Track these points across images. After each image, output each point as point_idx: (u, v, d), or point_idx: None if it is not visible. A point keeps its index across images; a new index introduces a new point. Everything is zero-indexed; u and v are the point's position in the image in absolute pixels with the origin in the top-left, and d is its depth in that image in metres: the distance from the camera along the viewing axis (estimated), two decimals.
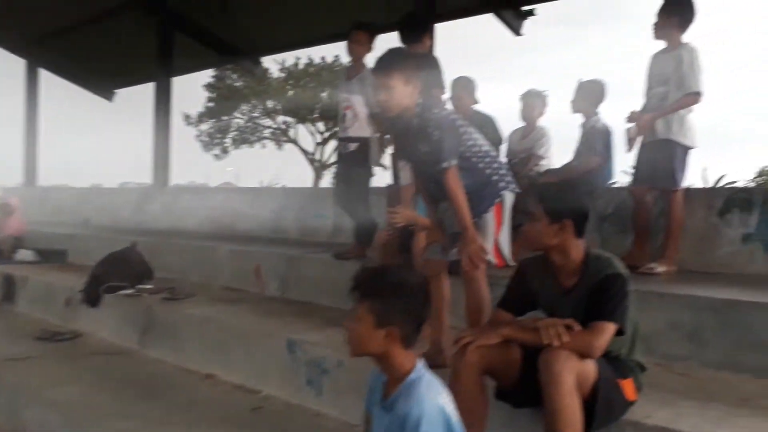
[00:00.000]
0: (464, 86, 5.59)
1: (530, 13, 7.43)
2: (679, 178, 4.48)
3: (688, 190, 4.76)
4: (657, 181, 4.55)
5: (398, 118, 3.22)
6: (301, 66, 27.20)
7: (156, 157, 10.47)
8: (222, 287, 5.98)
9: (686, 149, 4.49)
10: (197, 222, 8.84)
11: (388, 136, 5.04)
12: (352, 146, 5.30)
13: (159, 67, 10.33)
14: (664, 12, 4.52)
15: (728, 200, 4.64)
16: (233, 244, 6.77)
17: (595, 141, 5.04)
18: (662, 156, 4.48)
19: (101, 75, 12.32)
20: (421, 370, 2.19)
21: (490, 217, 3.33)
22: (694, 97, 4.40)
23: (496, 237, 3.34)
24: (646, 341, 2.78)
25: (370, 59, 5.23)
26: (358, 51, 5.37)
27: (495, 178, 3.37)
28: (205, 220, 8.76)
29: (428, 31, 5.05)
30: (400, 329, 2.15)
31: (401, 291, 2.18)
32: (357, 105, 5.27)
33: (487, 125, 5.48)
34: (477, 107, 5.65)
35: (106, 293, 5.70)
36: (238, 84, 27.82)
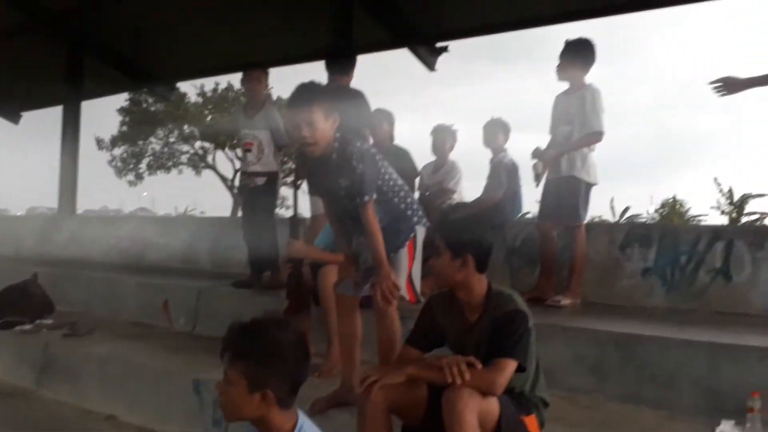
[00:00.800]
0: (382, 119, 5.64)
1: (444, 49, 7.58)
2: (582, 213, 4.65)
3: (592, 225, 4.96)
4: (561, 217, 4.71)
5: (317, 152, 3.20)
6: (219, 91, 26.84)
7: (62, 184, 10.03)
8: (128, 322, 5.74)
9: (589, 186, 4.68)
10: (105, 252, 8.48)
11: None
12: (260, 180, 5.39)
13: (67, 91, 9.96)
14: (567, 54, 4.72)
15: (629, 235, 4.85)
16: (141, 275, 6.54)
17: (501, 176, 5.19)
18: (566, 192, 4.64)
19: (6, 97, 11.76)
20: (301, 428, 2.09)
21: (404, 252, 3.34)
22: (597, 136, 4.61)
23: (409, 272, 3.36)
24: (551, 374, 2.85)
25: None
26: (256, 89, 5.58)
27: (409, 212, 3.39)
28: (113, 249, 8.42)
29: (352, 66, 5.11)
30: (276, 392, 1.99)
31: (275, 351, 2.01)
32: (264, 141, 5.36)
33: (403, 158, 5.54)
34: (394, 140, 5.72)
35: (2, 329, 5.38)
36: (153, 108, 27.12)
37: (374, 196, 3.16)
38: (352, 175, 3.11)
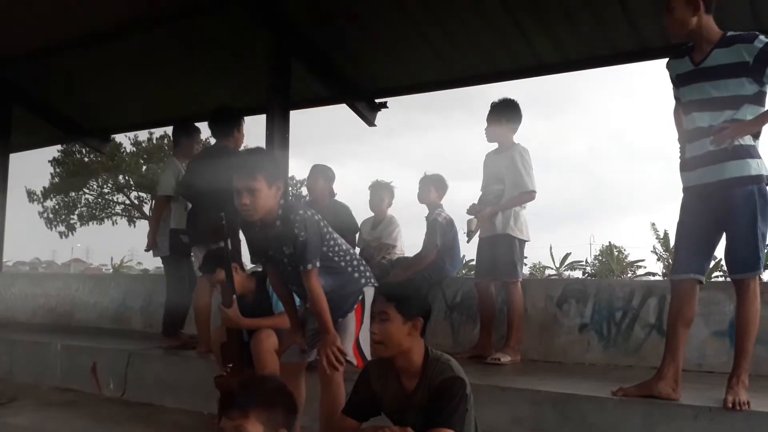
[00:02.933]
0: (321, 174, 5.63)
1: (383, 105, 7.68)
2: (518, 270, 4.71)
3: (529, 281, 5.01)
4: (498, 274, 4.77)
5: (256, 219, 3.14)
6: (155, 140, 26.51)
7: None
8: (54, 388, 5.45)
9: (522, 242, 4.77)
10: (31, 311, 8.12)
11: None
12: (186, 237, 5.37)
13: None
14: (493, 116, 4.87)
15: (565, 291, 4.91)
16: (69, 337, 6.23)
17: (436, 234, 5.22)
18: (502, 250, 4.72)
19: None
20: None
21: (352, 316, 3.32)
22: (529, 194, 4.72)
23: (357, 337, 3.31)
24: None
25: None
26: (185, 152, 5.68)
27: (356, 274, 3.38)
28: (40, 309, 8.05)
29: (239, 126, 5.20)
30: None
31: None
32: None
33: (342, 214, 5.54)
34: (335, 195, 5.72)
35: None
36: (87, 159, 26.54)
37: (318, 263, 3.14)
38: (295, 243, 3.10)
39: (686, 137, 3.38)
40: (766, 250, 3.26)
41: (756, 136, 3.26)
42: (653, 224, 41.28)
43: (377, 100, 7.74)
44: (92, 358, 5.41)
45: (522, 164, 4.71)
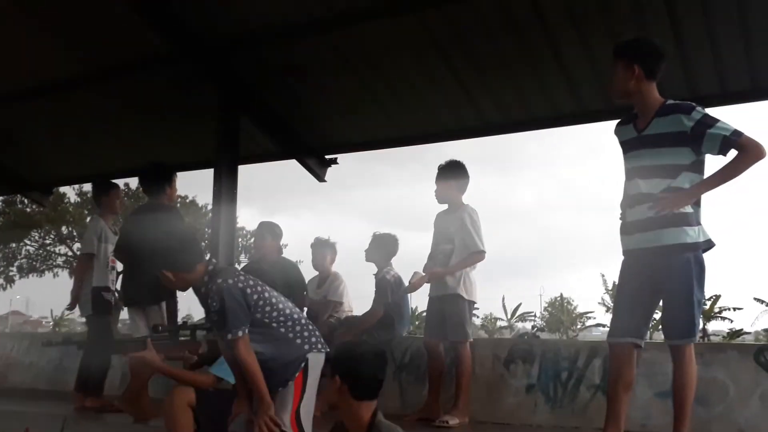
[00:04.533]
0: (268, 231, 5.60)
1: (333, 161, 7.69)
2: (467, 330, 4.73)
3: (477, 341, 5.01)
4: (448, 334, 4.76)
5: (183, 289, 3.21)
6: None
7: None
8: None
9: (471, 303, 4.79)
10: None
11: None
12: (109, 295, 5.52)
13: None
14: (441, 177, 4.96)
15: (512, 351, 4.93)
16: (1, 400, 5.94)
17: (385, 293, 5.21)
18: (451, 310, 4.74)
19: None
20: None
21: (291, 386, 3.25)
22: (479, 255, 4.78)
23: (296, 407, 3.24)
24: None
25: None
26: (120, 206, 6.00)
27: (298, 340, 3.31)
28: None
29: (171, 182, 5.27)
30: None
31: None
32: None
33: (291, 272, 5.50)
34: (282, 252, 5.69)
35: None
36: (29, 210, 25.78)
37: (244, 332, 3.13)
38: (215, 312, 3.13)
39: (627, 202, 3.47)
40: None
41: (696, 203, 3.36)
42: (603, 275, 42.16)
43: (327, 156, 7.75)
44: (25, 424, 5.13)
45: (471, 225, 4.77)
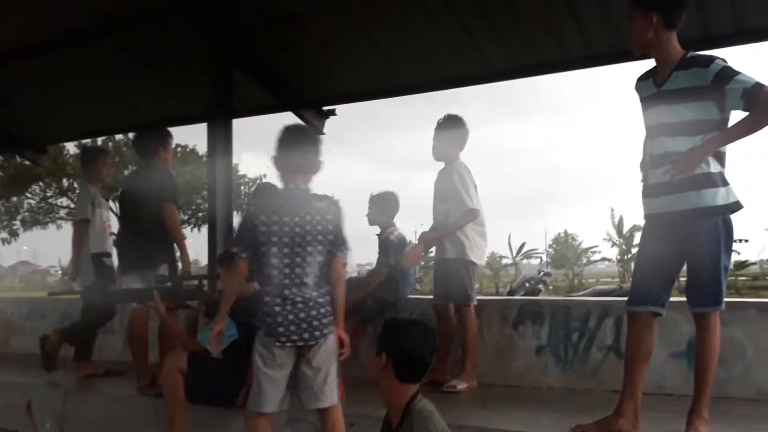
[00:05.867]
0: (264, 196, 5.39)
1: (331, 112, 7.43)
2: (470, 293, 4.57)
3: (484, 302, 4.87)
4: (452, 297, 4.62)
5: None
6: (99, 142, 25.59)
7: None
8: None
9: (474, 265, 4.63)
10: None
11: None
12: (109, 261, 5.47)
13: None
14: (438, 133, 4.75)
15: (521, 312, 4.77)
16: (3, 368, 5.88)
17: (388, 252, 5.04)
18: (453, 273, 4.61)
19: None
20: None
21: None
22: (472, 213, 4.55)
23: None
24: None
25: None
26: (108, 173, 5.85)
27: None
28: None
29: (166, 144, 5.18)
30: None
31: None
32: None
33: None
34: None
35: None
36: (29, 163, 25.54)
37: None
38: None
39: (650, 162, 3.24)
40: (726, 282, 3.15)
41: (721, 162, 3.14)
42: (612, 209, 42.32)
43: (325, 108, 7.48)
44: (27, 396, 5.07)
45: (460, 182, 4.56)
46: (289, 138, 3.15)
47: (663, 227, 3.17)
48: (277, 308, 2.98)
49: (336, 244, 3.13)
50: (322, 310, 3.03)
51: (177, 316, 4.41)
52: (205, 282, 4.32)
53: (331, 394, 3.06)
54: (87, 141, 24.18)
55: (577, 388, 4.41)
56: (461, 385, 4.41)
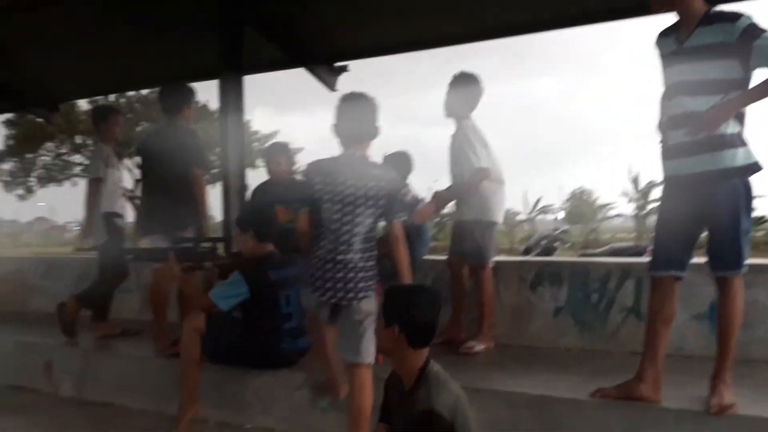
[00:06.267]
0: (279, 152, 5.31)
1: (344, 69, 7.29)
2: (487, 254, 4.50)
3: (502, 264, 4.81)
4: (468, 257, 4.56)
5: None
6: (111, 99, 25.46)
7: None
8: (8, 387, 5.15)
9: (491, 224, 4.54)
10: None
11: None
12: (121, 221, 5.53)
13: None
14: (450, 90, 4.61)
15: (538, 273, 4.71)
16: (23, 329, 5.93)
17: (405, 210, 4.96)
18: (469, 235, 4.54)
19: None
20: None
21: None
22: (481, 172, 4.44)
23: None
24: None
25: None
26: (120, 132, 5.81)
27: None
28: None
29: (189, 102, 5.13)
30: None
31: None
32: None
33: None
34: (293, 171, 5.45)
35: None
36: (41, 120, 25.55)
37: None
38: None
39: (669, 122, 3.13)
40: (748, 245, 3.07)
41: (740, 122, 3.02)
42: (628, 165, 41.80)
43: (337, 64, 7.33)
44: (46, 356, 5.13)
45: (467, 144, 4.45)
46: (347, 106, 3.30)
47: (682, 189, 3.08)
48: (320, 266, 3.21)
49: (391, 210, 3.33)
50: (361, 274, 3.21)
51: (194, 277, 4.38)
52: (219, 245, 4.30)
53: (363, 352, 3.19)
54: (100, 99, 24.28)
55: (596, 351, 4.38)
56: (478, 347, 4.40)
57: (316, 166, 3.30)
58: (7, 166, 27.62)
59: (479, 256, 4.51)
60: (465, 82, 4.61)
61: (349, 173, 3.23)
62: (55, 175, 28.15)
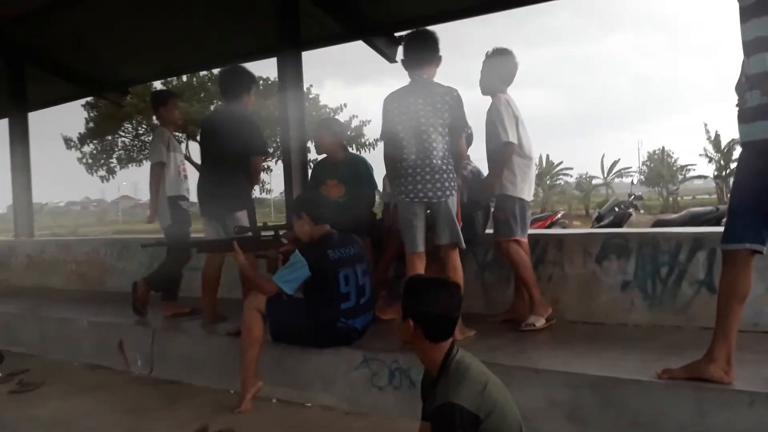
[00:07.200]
0: (329, 128, 5.24)
1: (404, 38, 7.14)
2: (514, 228, 4.37)
3: (566, 237, 4.64)
4: (497, 234, 4.49)
5: None
6: (184, 79, 25.97)
7: (16, 205, 9.57)
8: (84, 365, 5.37)
9: (522, 201, 4.42)
10: (64, 278, 8.12)
11: None
12: (186, 204, 5.67)
13: (10, 103, 9.47)
14: (485, 67, 4.50)
15: (605, 246, 4.51)
16: (97, 310, 6.15)
17: (461, 190, 4.82)
18: (499, 209, 4.47)
19: None
20: None
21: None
22: (506, 147, 4.31)
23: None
24: (524, 422, 2.51)
25: None
26: (179, 116, 5.88)
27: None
28: (72, 275, 8.03)
29: (249, 88, 5.04)
30: None
31: None
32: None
33: (361, 169, 5.18)
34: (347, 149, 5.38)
35: None
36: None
37: None
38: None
39: (749, 82, 2.85)
40: None
41: None
42: (705, 124, 39.95)
43: (397, 34, 7.19)
44: (119, 335, 5.31)
45: (497, 118, 4.31)
46: (413, 40, 4.17)
47: (760, 156, 2.82)
48: (410, 172, 3.98)
49: (455, 125, 4.02)
50: (445, 176, 3.95)
51: (257, 263, 4.45)
52: (281, 233, 4.32)
53: (455, 237, 4.01)
54: (171, 80, 24.88)
55: (666, 326, 4.17)
56: (539, 322, 4.25)
57: (390, 96, 4.07)
58: (89, 148, 28.70)
59: (505, 230, 4.39)
60: (499, 57, 4.50)
61: (420, 93, 3.97)
62: (134, 155, 29.15)
